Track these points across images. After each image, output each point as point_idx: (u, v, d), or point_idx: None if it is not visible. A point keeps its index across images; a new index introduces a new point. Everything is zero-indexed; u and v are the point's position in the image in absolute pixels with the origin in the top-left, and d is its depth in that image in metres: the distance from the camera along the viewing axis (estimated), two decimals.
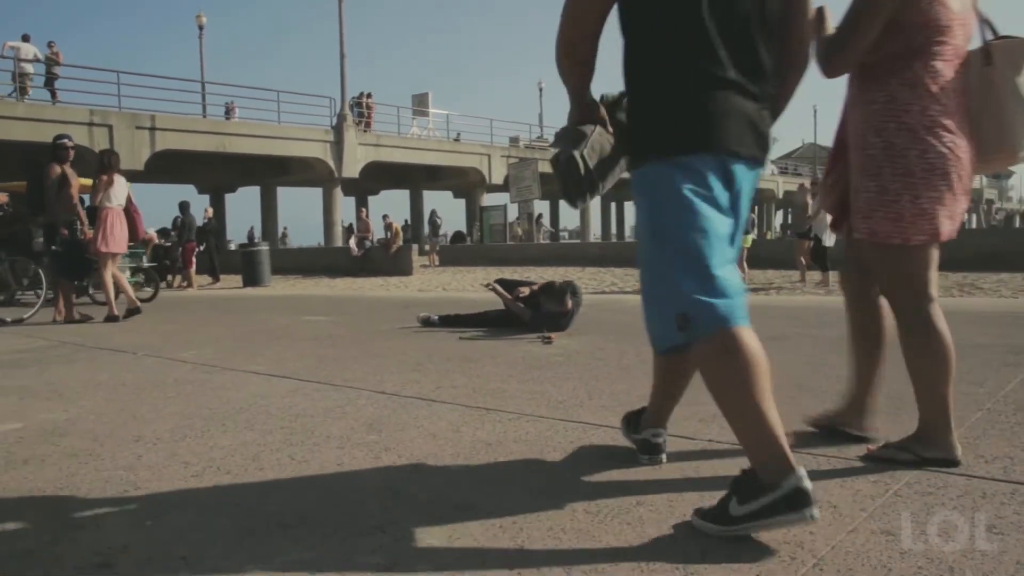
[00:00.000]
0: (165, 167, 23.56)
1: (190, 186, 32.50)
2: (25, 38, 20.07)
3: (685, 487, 2.16)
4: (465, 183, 33.41)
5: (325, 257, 22.63)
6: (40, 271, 8.54)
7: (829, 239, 11.20)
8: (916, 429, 2.33)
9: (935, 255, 2.30)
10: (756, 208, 31.69)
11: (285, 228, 42.77)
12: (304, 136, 26.17)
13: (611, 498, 2.08)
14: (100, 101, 21.52)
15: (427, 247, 25.49)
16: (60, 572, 1.74)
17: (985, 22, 2.28)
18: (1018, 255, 13.64)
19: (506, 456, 2.52)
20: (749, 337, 1.81)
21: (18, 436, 3.01)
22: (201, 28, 29.17)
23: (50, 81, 20.94)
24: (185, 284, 15.72)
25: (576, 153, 2.04)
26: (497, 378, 3.92)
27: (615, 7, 1.96)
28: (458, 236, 30.09)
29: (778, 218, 55.13)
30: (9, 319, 7.63)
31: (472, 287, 12.96)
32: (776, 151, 61.76)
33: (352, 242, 20.14)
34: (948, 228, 2.25)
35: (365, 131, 28.53)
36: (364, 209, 24.42)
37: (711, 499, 1.90)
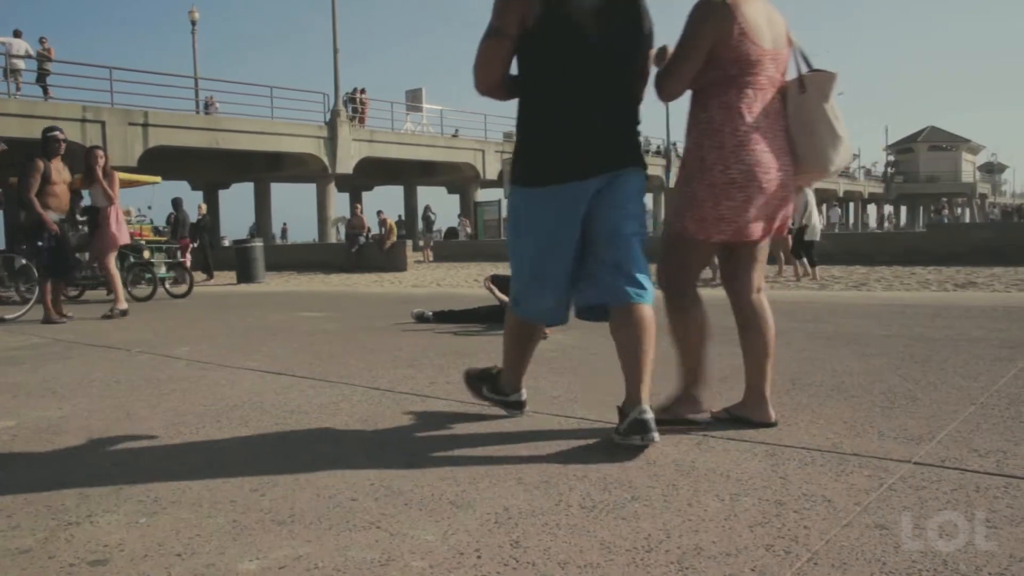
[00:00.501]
0: (158, 163, 23.46)
1: (183, 182, 32.39)
2: (16, 34, 19.97)
3: (680, 482, 2.16)
4: (459, 178, 33.36)
5: (319, 253, 22.60)
6: (33, 268, 8.51)
7: (812, 233, 11.54)
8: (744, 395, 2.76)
9: (712, 252, 2.78)
10: None
11: (285, 224, 42.90)
12: (298, 132, 26.09)
13: (606, 493, 2.08)
14: (93, 97, 21.43)
15: (421, 243, 25.48)
16: (55, 569, 1.73)
17: (801, 56, 2.69)
18: (1013, 249, 13.69)
19: (501, 451, 2.52)
20: (526, 322, 2.78)
21: (12, 434, 3.00)
22: (194, 24, 29.04)
23: (42, 77, 20.83)
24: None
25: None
26: None
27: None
28: (452, 232, 30.08)
29: None
30: (7, 316, 7.59)
31: (466, 283, 12.96)
32: None
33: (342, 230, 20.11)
34: (756, 229, 2.62)
35: (359, 127, 28.46)
36: (359, 205, 24.37)
37: (705, 492, 1.93)
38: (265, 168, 29.31)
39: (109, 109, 21.31)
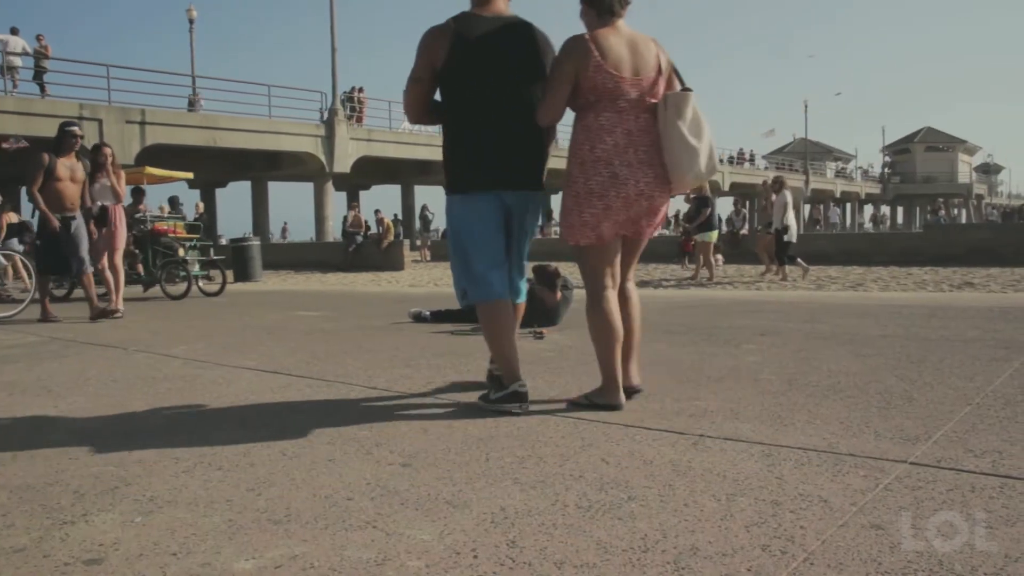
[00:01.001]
0: (155, 162, 23.40)
1: (181, 181, 32.29)
2: (13, 31, 19.91)
3: (676, 483, 2.16)
4: None
5: (316, 252, 22.59)
6: (29, 266, 8.49)
7: (790, 234, 11.80)
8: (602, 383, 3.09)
9: (612, 253, 3.07)
10: (746, 204, 31.79)
11: (286, 223, 42.98)
12: (295, 131, 26.06)
13: (602, 493, 2.08)
14: (90, 95, 21.38)
15: (418, 242, 25.46)
16: (49, 568, 1.73)
17: (677, 76, 3.08)
18: (1009, 249, 13.73)
19: (498, 451, 2.52)
20: (495, 305, 3.12)
21: (7, 432, 3.00)
22: (192, 22, 29.02)
23: (39, 75, 20.77)
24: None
25: None
26: None
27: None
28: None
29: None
30: (2, 315, 7.58)
31: None
32: (768, 147, 62.01)
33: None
34: (619, 230, 3.03)
35: (357, 126, 28.43)
36: (356, 204, 24.36)
37: (701, 492, 1.93)
38: (262, 167, 29.28)
39: (106, 107, 21.26)
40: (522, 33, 3.09)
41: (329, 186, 27.93)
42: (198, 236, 12.00)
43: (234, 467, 2.44)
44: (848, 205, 61.95)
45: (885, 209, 62.93)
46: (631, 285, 3.25)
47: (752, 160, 51.77)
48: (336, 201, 30.01)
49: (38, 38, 20.70)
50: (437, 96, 3.12)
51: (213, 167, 29.23)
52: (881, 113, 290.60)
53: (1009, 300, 7.80)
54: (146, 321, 7.37)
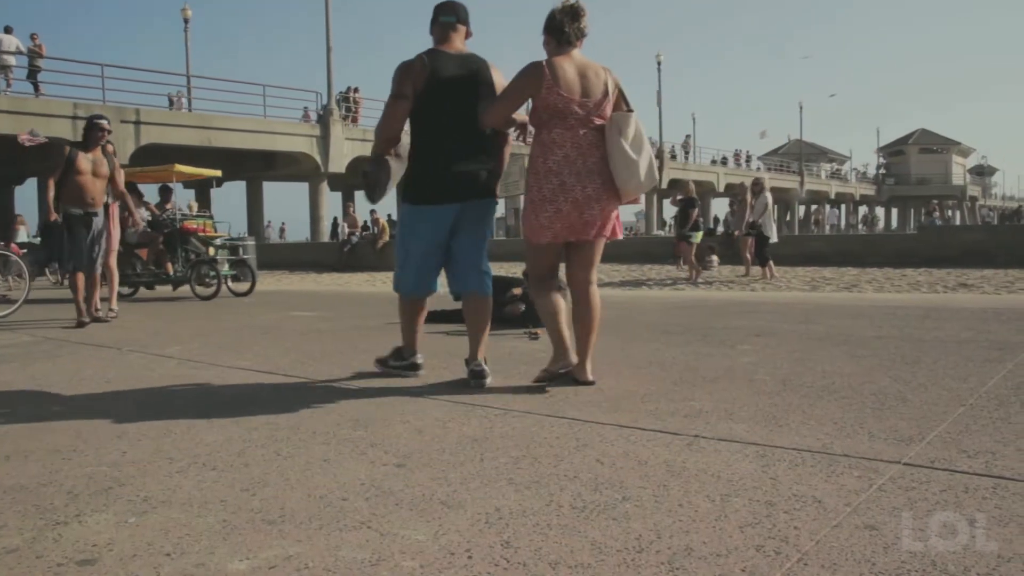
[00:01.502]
0: (150, 161, 23.31)
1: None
2: (7, 30, 19.83)
3: (671, 483, 2.16)
4: None
5: (312, 252, 22.54)
6: (23, 265, 8.44)
7: (773, 235, 11.93)
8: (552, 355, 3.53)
9: (554, 253, 3.52)
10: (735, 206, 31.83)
11: (284, 224, 42.93)
12: (290, 130, 26.00)
13: (597, 494, 2.08)
14: (84, 94, 21.31)
15: None
16: (42, 569, 1.72)
17: (624, 99, 3.48)
18: (1003, 251, 13.77)
19: (492, 451, 2.52)
20: (407, 300, 3.82)
21: (1, 432, 2.98)
22: (186, 21, 28.91)
23: (33, 74, 20.70)
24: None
25: (382, 170, 3.63)
26: None
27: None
28: None
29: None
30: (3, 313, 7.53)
31: None
32: (763, 148, 62.10)
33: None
34: (572, 233, 3.42)
35: (352, 126, 28.38)
36: (351, 204, 24.29)
37: (695, 493, 1.93)
38: (257, 167, 29.19)
39: (101, 106, 21.12)
40: (479, 68, 3.61)
41: (324, 186, 27.88)
42: (227, 234, 11.78)
43: (228, 467, 2.44)
44: (843, 206, 62.12)
45: (878, 210, 63.08)
46: (593, 288, 3.55)
47: (748, 161, 51.86)
48: (331, 201, 29.96)
49: (32, 37, 20.62)
50: None
51: (208, 166, 29.11)
52: (876, 114, 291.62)
53: (1003, 301, 7.83)
54: (141, 321, 7.35)
